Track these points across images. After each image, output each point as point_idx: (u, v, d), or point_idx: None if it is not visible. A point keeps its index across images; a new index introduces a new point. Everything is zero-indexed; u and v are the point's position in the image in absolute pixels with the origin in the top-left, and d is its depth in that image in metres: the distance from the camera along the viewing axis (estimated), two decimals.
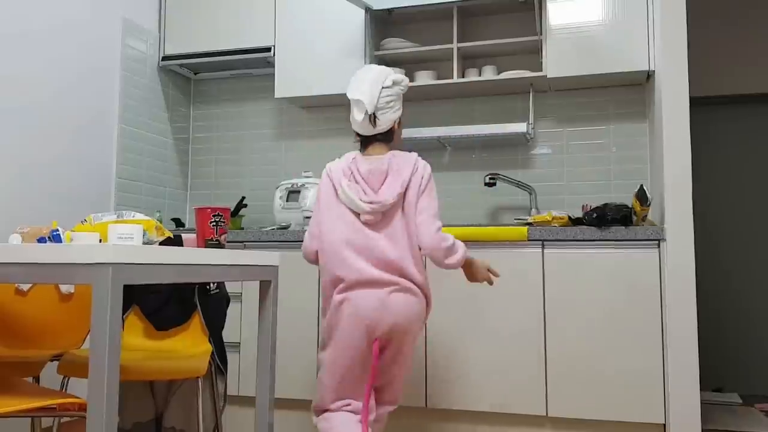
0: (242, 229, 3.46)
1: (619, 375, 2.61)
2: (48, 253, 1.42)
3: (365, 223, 2.12)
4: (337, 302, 2.12)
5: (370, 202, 2.10)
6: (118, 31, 3.41)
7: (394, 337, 2.12)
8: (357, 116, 2.17)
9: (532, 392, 2.69)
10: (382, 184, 2.14)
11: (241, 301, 3.09)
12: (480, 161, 3.50)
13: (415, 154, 2.22)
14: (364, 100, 2.15)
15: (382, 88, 2.18)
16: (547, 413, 2.67)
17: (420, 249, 2.14)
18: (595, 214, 2.68)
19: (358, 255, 2.10)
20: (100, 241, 1.76)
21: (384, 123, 2.18)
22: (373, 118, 2.16)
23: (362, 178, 2.15)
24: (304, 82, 3.45)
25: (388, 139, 2.23)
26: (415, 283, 2.12)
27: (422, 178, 2.16)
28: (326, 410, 2.18)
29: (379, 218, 2.12)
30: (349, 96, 2.20)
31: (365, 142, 2.24)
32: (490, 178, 3.22)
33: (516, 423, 2.74)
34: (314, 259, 2.24)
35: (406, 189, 2.14)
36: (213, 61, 3.67)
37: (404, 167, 2.15)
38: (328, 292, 2.18)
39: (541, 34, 3.16)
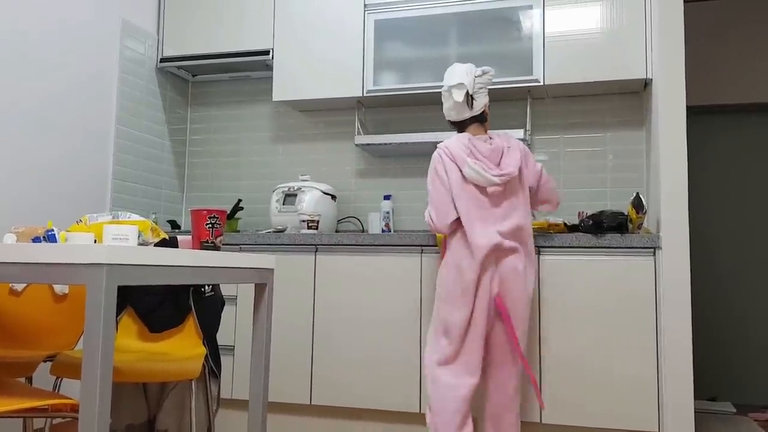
0: (238, 231, 3.45)
1: (613, 382, 2.61)
2: (43, 253, 1.41)
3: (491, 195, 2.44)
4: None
5: (498, 175, 2.42)
6: (116, 32, 3.41)
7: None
8: (457, 98, 2.48)
9: (526, 399, 2.68)
10: (501, 160, 2.48)
11: (236, 304, 3.08)
12: None
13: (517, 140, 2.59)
14: (464, 82, 2.47)
15: (475, 76, 2.52)
16: (541, 420, 2.66)
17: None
18: (590, 221, 2.68)
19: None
20: (95, 241, 1.75)
21: (478, 105, 2.53)
22: (470, 100, 2.50)
23: (484, 157, 2.45)
24: (302, 85, 3.45)
25: (483, 120, 2.57)
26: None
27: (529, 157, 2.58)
28: None
29: (503, 190, 2.43)
30: (449, 83, 2.51)
31: (461, 127, 2.57)
32: None
33: None
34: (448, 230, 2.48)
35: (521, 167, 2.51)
36: (211, 64, 3.67)
37: (514, 147, 2.52)
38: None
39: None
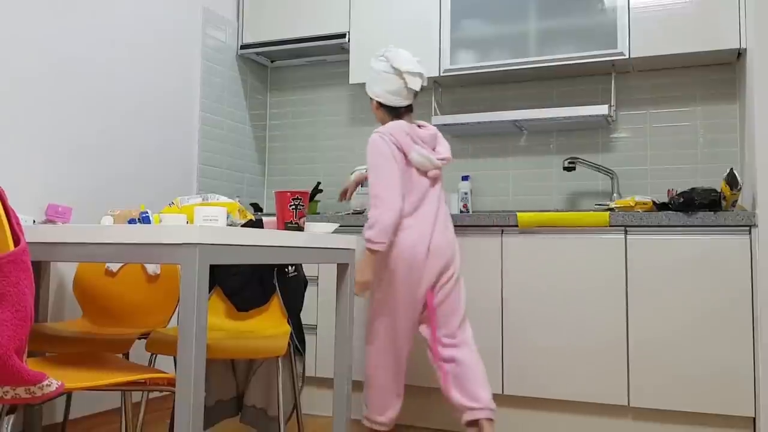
0: (318, 214, 3.51)
1: (706, 366, 2.50)
2: (139, 234, 1.47)
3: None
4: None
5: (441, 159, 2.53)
6: (198, 20, 3.50)
7: None
8: (416, 86, 2.49)
9: (613, 381, 2.62)
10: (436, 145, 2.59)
11: (317, 284, 3.13)
12: (558, 145, 3.41)
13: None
14: (424, 72, 2.52)
15: None
16: (629, 403, 2.59)
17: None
18: (681, 199, 2.57)
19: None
20: (187, 223, 1.81)
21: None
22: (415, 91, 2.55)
23: (424, 142, 2.52)
24: None
25: (411, 108, 2.61)
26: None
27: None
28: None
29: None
30: (411, 68, 2.49)
31: (397, 113, 2.56)
32: (569, 162, 3.14)
33: (597, 412, 2.68)
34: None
35: None
36: (289, 49, 3.72)
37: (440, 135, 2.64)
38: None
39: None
